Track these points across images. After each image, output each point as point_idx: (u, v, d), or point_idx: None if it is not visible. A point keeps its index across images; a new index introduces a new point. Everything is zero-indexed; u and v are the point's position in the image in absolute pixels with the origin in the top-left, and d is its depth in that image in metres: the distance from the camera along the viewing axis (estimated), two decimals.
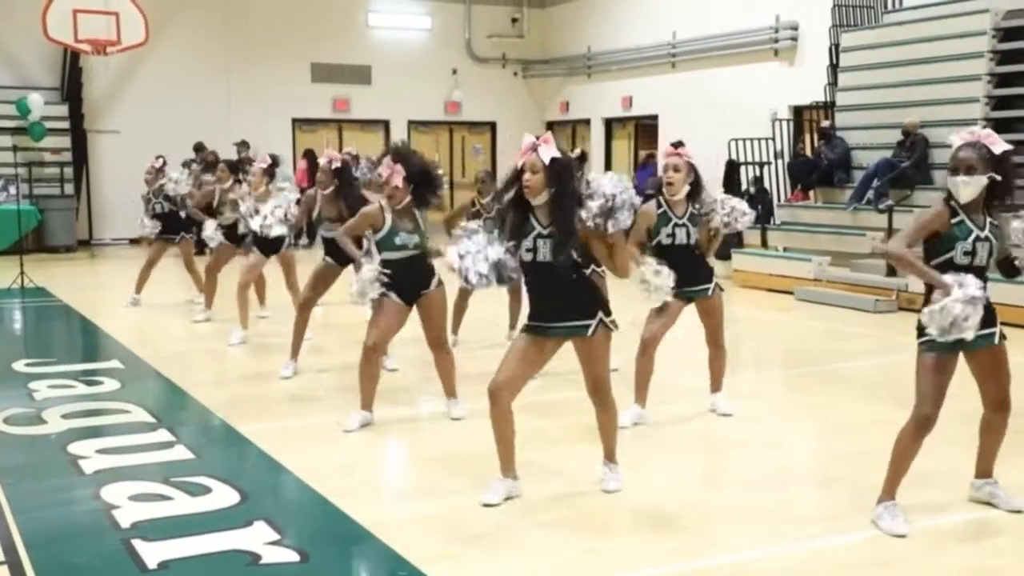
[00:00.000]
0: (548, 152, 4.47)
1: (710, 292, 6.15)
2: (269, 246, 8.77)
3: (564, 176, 4.48)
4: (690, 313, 6.28)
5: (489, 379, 4.63)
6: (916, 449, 4.38)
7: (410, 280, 5.98)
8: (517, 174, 4.52)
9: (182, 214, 10.87)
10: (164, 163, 11.11)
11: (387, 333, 6.11)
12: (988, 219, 4.30)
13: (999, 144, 4.26)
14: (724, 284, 12.97)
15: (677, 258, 5.95)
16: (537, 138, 4.55)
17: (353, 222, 6.18)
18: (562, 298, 4.58)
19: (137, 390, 7.16)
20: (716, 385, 6.45)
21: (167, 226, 10.92)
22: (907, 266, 4.32)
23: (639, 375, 6.15)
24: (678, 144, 6.08)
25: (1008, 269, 4.51)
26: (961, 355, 4.36)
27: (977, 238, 4.25)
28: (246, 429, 6.02)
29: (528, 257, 4.54)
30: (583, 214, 4.39)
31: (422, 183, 5.89)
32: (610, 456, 4.96)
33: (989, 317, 4.32)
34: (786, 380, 8.10)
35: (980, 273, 4.28)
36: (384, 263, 5.96)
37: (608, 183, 4.41)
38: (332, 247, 7.38)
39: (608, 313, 4.66)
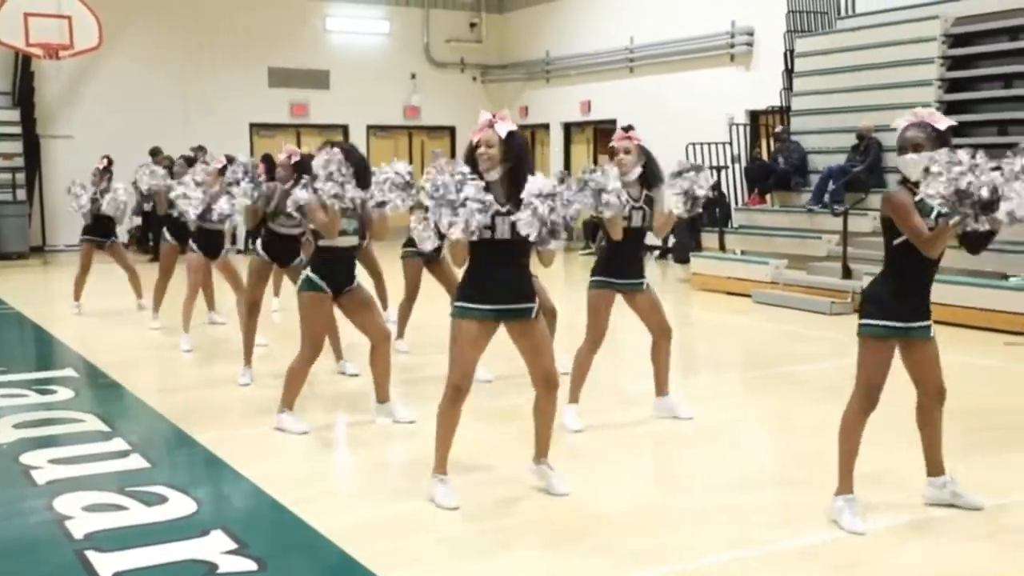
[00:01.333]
0: (505, 126, 4.55)
1: (644, 286, 6.16)
2: (210, 249, 8.73)
3: (521, 150, 4.58)
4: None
5: (437, 383, 4.64)
6: (860, 434, 4.45)
7: (343, 272, 5.99)
8: (472, 150, 4.57)
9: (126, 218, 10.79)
10: (109, 163, 10.96)
11: (322, 331, 6.10)
12: None
13: (943, 121, 4.35)
14: (682, 287, 13.09)
15: (632, 241, 6.02)
16: (493, 114, 4.61)
17: (315, 218, 6.11)
18: (512, 278, 4.64)
19: (91, 399, 7.07)
20: (664, 386, 6.39)
21: (96, 229, 10.73)
22: (938, 238, 4.17)
23: (582, 374, 6.15)
24: (628, 128, 6.16)
25: (971, 243, 4.40)
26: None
27: (939, 214, 4.30)
28: (202, 437, 5.95)
29: (486, 235, 4.52)
30: (519, 218, 4.41)
31: (357, 170, 5.80)
32: (546, 454, 4.95)
33: (925, 311, 4.43)
34: (744, 382, 8.16)
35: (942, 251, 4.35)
36: (325, 251, 5.91)
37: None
38: (275, 244, 7.31)
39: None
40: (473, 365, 4.71)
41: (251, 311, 7.40)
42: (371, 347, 6.19)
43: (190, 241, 8.86)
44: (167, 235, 9.75)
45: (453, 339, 4.69)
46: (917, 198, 4.27)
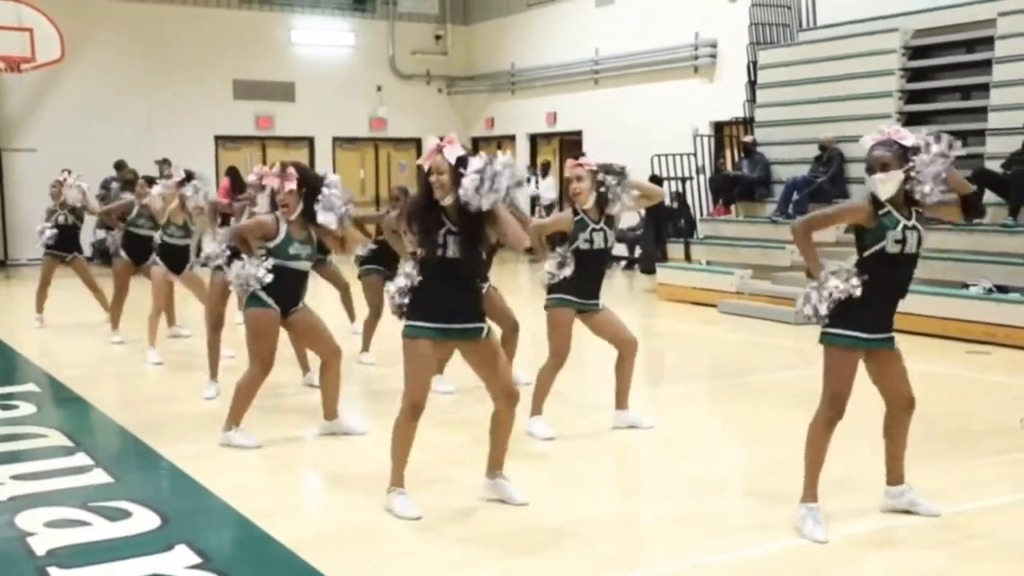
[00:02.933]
0: (453, 152, 4.58)
1: (600, 306, 6.22)
2: (175, 263, 8.71)
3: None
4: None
5: (399, 396, 4.67)
6: (827, 443, 4.50)
7: (291, 293, 5.98)
8: (425, 176, 4.61)
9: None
10: (68, 176, 10.85)
11: (272, 348, 6.02)
12: (913, 209, 4.41)
13: (909, 138, 4.37)
14: (649, 298, 13.13)
15: (596, 264, 6.09)
16: (441, 139, 4.64)
17: (248, 223, 6.07)
18: (459, 299, 4.67)
19: (54, 414, 7.00)
20: (624, 399, 6.40)
21: (60, 242, 10.63)
22: (799, 242, 4.60)
23: (543, 390, 6.19)
24: (578, 156, 6.25)
25: (968, 208, 4.64)
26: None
27: (906, 227, 4.36)
28: (166, 451, 5.91)
29: (438, 252, 4.58)
30: (461, 192, 4.48)
31: (313, 193, 5.83)
32: (501, 467, 4.95)
33: (888, 323, 4.50)
34: (710, 391, 8.21)
35: (912, 262, 4.43)
36: (276, 270, 5.87)
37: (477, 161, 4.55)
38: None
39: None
40: (428, 383, 4.74)
41: (215, 326, 7.37)
42: (321, 364, 6.21)
43: (153, 255, 8.82)
44: (121, 252, 9.69)
45: (406, 358, 4.70)
46: (883, 211, 4.35)
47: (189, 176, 8.59)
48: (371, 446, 6.08)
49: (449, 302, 4.65)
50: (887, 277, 4.41)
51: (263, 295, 5.88)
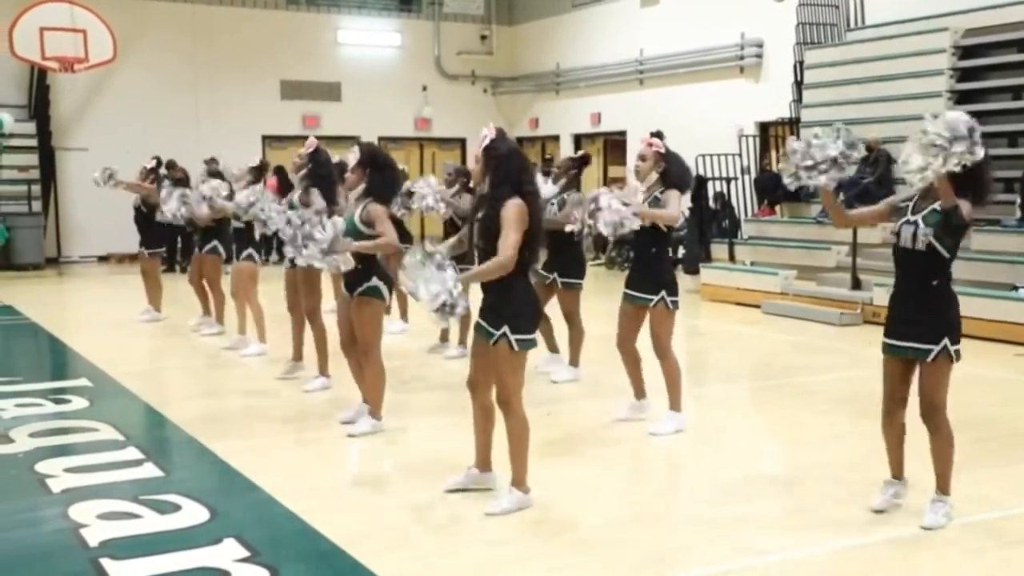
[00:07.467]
0: (486, 140, 4.66)
1: (652, 304, 6.18)
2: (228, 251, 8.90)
3: (496, 160, 4.61)
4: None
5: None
6: (887, 436, 4.67)
7: (351, 272, 5.97)
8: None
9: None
10: (159, 163, 10.94)
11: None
12: (933, 207, 4.40)
13: None
14: (692, 298, 13.03)
15: (639, 243, 6.19)
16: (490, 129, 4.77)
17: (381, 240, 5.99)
18: (486, 295, 4.68)
19: (105, 408, 7.13)
20: (675, 401, 6.40)
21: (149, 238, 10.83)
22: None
23: (628, 371, 6.38)
24: (656, 134, 6.23)
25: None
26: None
27: (907, 221, 4.44)
28: (215, 446, 6.01)
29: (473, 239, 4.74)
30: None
31: (374, 168, 5.95)
32: (520, 483, 4.85)
33: (905, 330, 4.46)
34: (752, 393, 8.18)
35: (909, 260, 4.42)
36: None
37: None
38: None
39: (516, 331, 4.63)
40: (472, 370, 4.87)
41: (311, 317, 7.45)
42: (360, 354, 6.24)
43: (249, 250, 8.92)
44: (220, 248, 9.72)
45: None
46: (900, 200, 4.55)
47: (263, 166, 8.72)
48: (419, 443, 6.14)
49: (483, 296, 4.69)
50: (896, 274, 4.51)
51: (383, 287, 6.00)
